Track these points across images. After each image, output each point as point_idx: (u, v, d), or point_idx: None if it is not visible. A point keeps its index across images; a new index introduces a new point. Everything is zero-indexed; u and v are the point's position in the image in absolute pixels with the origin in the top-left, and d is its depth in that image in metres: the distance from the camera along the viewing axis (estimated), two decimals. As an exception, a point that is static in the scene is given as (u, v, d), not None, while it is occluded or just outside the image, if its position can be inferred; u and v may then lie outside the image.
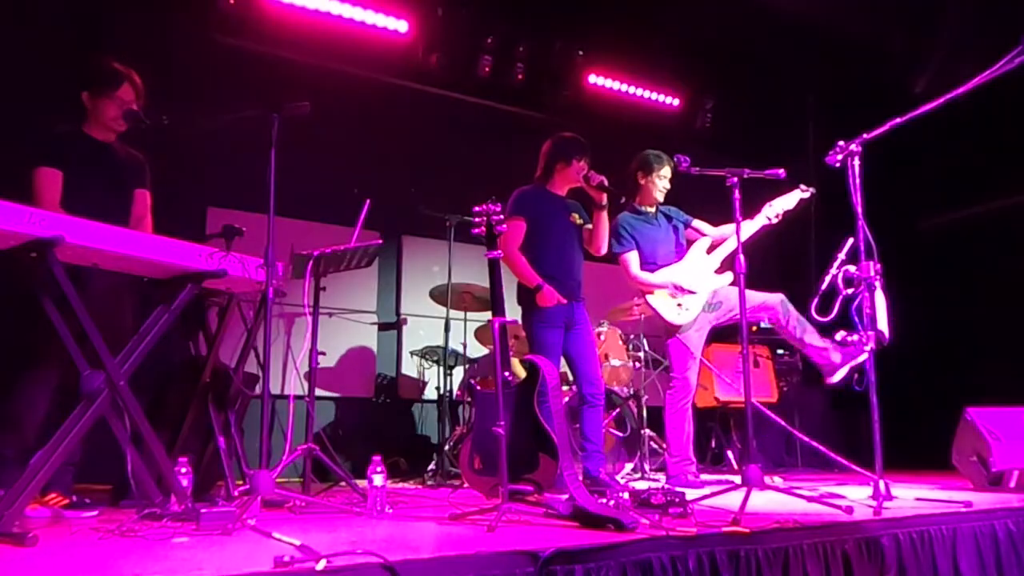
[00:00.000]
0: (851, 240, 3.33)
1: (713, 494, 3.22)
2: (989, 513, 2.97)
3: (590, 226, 4.06)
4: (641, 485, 3.87)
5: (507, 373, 3.18)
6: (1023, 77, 3.03)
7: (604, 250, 4.11)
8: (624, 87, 6.98)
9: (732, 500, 2.97)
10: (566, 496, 2.85)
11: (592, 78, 6.81)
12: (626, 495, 3.11)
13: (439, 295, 5.21)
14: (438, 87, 6.28)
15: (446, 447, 4.81)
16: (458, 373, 5.37)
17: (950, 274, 6.75)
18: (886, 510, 2.86)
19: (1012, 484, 3.90)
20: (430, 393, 5.81)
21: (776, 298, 4.20)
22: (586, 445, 3.82)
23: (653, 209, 4.41)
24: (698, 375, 4.35)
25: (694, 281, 4.21)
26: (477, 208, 3.23)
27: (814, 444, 4.15)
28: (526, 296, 3.88)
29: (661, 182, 4.34)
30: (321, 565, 1.76)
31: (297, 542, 2.04)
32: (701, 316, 4.23)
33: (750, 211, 4.05)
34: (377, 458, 3.01)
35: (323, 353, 4.10)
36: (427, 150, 6.02)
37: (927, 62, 6.37)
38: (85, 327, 2.50)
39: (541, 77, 6.60)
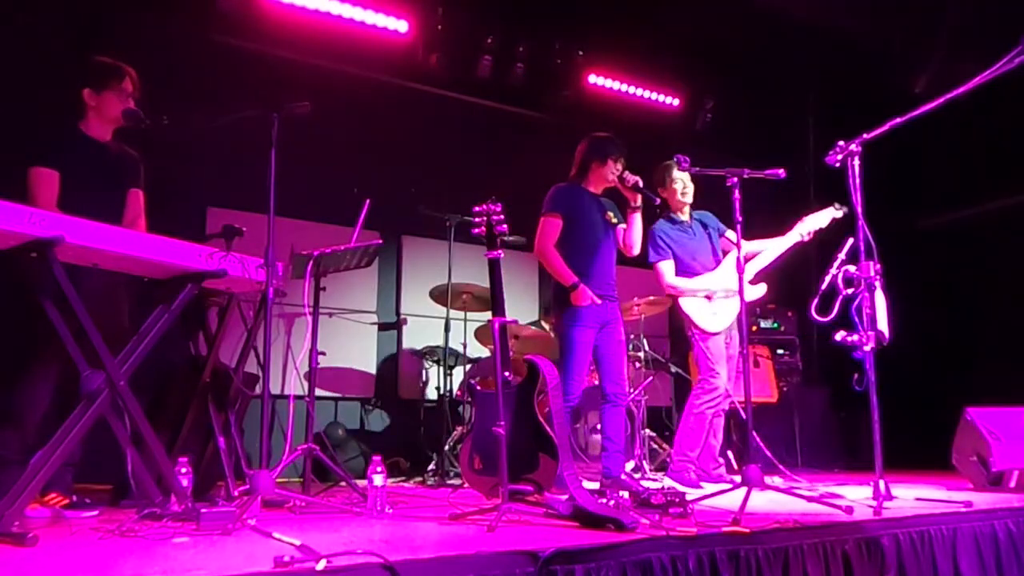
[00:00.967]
0: (851, 240, 3.33)
1: (713, 494, 3.23)
2: (989, 513, 2.97)
3: (624, 226, 4.07)
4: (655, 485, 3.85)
5: (507, 373, 3.18)
6: (1023, 77, 3.03)
7: (637, 251, 4.11)
8: (624, 87, 6.98)
9: (732, 500, 2.97)
10: (566, 496, 2.85)
11: (592, 78, 6.81)
12: (626, 495, 3.12)
13: (439, 295, 5.21)
14: (438, 87, 6.28)
15: (446, 447, 4.80)
16: (458, 373, 5.37)
17: (950, 274, 6.75)
18: (886, 510, 2.87)
19: (1012, 484, 3.90)
20: (430, 393, 5.81)
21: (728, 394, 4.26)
22: (606, 444, 3.79)
23: (686, 216, 4.41)
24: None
25: (726, 285, 4.23)
26: (477, 208, 3.24)
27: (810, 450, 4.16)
28: (560, 293, 3.86)
29: (679, 186, 4.35)
30: (321, 565, 1.76)
31: (297, 542, 2.04)
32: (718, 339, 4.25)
33: (775, 224, 4.06)
34: (377, 458, 3.01)
35: (323, 353, 4.10)
36: (427, 150, 6.02)
37: (927, 62, 6.37)
38: (85, 327, 2.50)
39: (541, 77, 6.59)
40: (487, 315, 3.87)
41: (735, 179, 3.44)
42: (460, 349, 5.25)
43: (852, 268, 3.29)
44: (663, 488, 3.07)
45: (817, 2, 6.39)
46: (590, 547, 2.10)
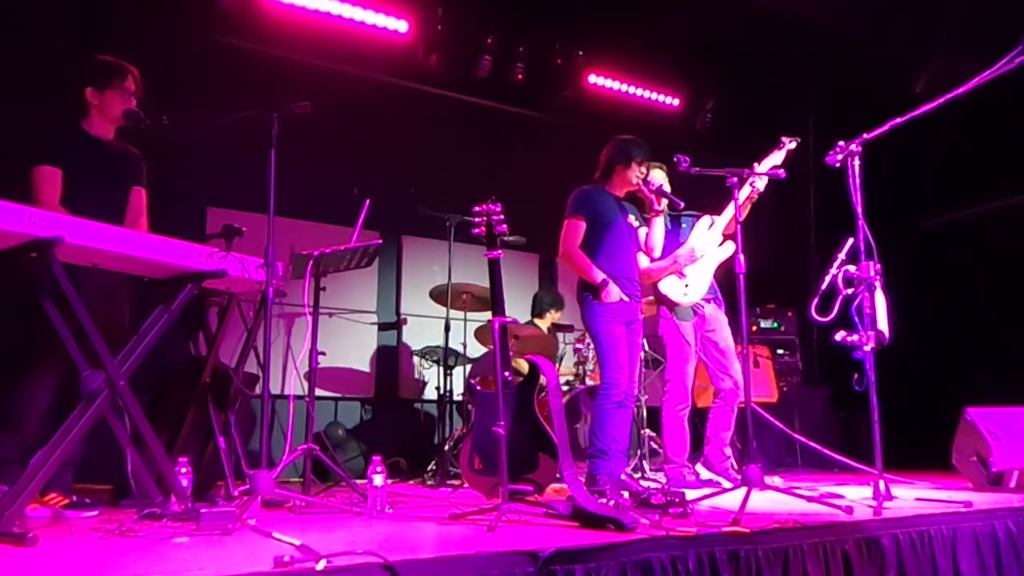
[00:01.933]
0: (851, 240, 3.33)
1: (713, 494, 3.23)
2: (989, 513, 2.97)
3: (645, 229, 4.08)
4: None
5: (507, 373, 3.18)
6: (1023, 77, 3.03)
7: (659, 253, 4.14)
8: (624, 87, 6.98)
9: (732, 500, 2.97)
10: (566, 496, 2.85)
11: (592, 78, 6.81)
12: (626, 494, 3.11)
13: (439, 295, 5.21)
14: (438, 87, 6.28)
15: (446, 447, 4.80)
16: (458, 373, 5.37)
17: (950, 274, 6.75)
18: (886, 510, 2.87)
19: (1012, 484, 3.90)
20: (430, 393, 5.81)
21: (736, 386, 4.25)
22: (612, 445, 3.79)
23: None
24: (695, 374, 4.35)
25: (692, 246, 4.24)
26: (477, 208, 3.24)
27: (812, 444, 4.16)
28: (587, 293, 3.87)
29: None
30: (321, 565, 1.76)
31: (297, 542, 2.04)
32: (688, 325, 4.25)
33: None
34: (377, 458, 3.01)
35: (323, 353, 4.10)
36: (427, 150, 6.02)
37: (927, 62, 6.37)
38: (85, 327, 2.50)
39: (541, 77, 6.59)
40: (487, 315, 3.87)
41: (735, 179, 3.44)
42: (460, 349, 5.25)
43: (852, 268, 3.29)
44: (663, 488, 3.06)
45: (817, 2, 6.40)
46: (590, 547, 2.10)
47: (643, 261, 4.27)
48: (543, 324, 5.80)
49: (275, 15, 5.52)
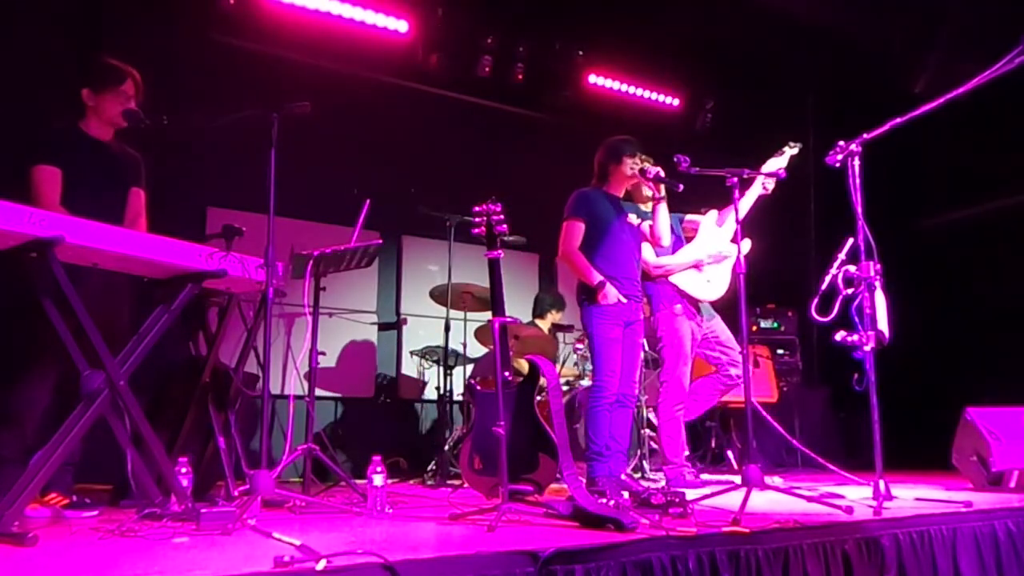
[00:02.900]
0: (851, 240, 3.33)
1: (713, 494, 3.22)
2: (989, 513, 2.97)
3: (649, 223, 4.08)
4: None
5: (507, 373, 3.18)
6: (1023, 77, 3.03)
7: (667, 242, 4.13)
8: (624, 87, 6.98)
9: (732, 500, 2.97)
10: (566, 496, 2.85)
11: (592, 78, 6.81)
12: (626, 494, 3.11)
13: (439, 295, 5.21)
14: (438, 87, 6.28)
15: (446, 447, 4.80)
16: (458, 373, 5.37)
17: (950, 274, 6.75)
18: (886, 510, 2.86)
19: (1012, 484, 3.90)
20: (430, 393, 5.81)
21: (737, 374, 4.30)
22: (611, 444, 3.78)
23: (649, 208, 4.43)
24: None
25: (717, 247, 4.26)
26: (477, 208, 3.24)
27: (809, 453, 4.17)
28: (586, 294, 3.87)
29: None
30: (321, 565, 1.76)
31: (297, 542, 2.04)
32: (687, 326, 4.26)
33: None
34: (377, 458, 3.01)
35: (323, 353, 4.10)
36: (427, 150, 6.02)
37: (927, 62, 6.37)
38: (85, 327, 2.50)
39: (541, 77, 6.60)
40: (487, 315, 3.87)
41: (735, 179, 3.44)
42: (460, 349, 5.25)
43: (852, 268, 3.29)
44: (663, 488, 3.06)
45: (817, 2, 6.40)
46: (590, 547, 2.10)
47: (650, 257, 4.27)
48: (544, 324, 5.80)
49: (275, 15, 5.52)
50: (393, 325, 6.03)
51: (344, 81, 5.75)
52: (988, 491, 3.89)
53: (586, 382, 5.26)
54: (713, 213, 4.41)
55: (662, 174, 3.96)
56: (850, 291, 3.28)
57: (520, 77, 6.45)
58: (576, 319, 4.65)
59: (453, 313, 5.08)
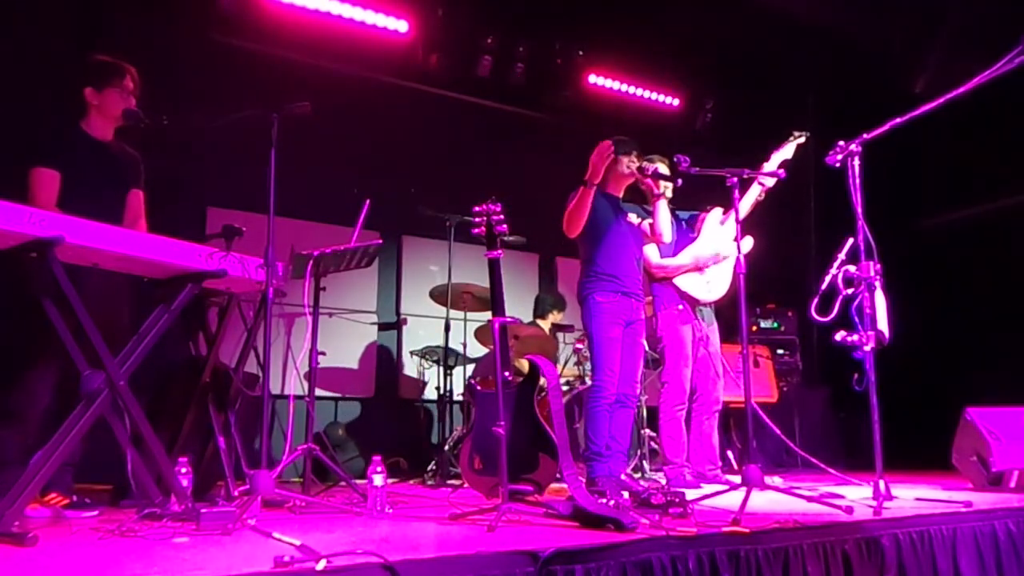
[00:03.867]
0: (851, 240, 3.32)
1: (713, 494, 3.22)
2: (989, 513, 2.97)
3: (649, 221, 4.07)
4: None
5: (507, 373, 3.17)
6: (1023, 77, 3.03)
7: (669, 238, 4.13)
8: (624, 87, 6.98)
9: (732, 500, 2.97)
10: (566, 496, 2.85)
11: (592, 78, 6.81)
12: (626, 494, 3.11)
13: (439, 295, 5.22)
14: (438, 87, 6.28)
15: (446, 447, 4.80)
16: (458, 373, 5.37)
17: (950, 274, 6.75)
18: (886, 510, 2.86)
19: (1012, 484, 3.90)
20: (430, 393, 5.81)
21: (719, 401, 4.32)
22: (611, 444, 3.78)
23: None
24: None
25: (717, 248, 4.27)
26: (477, 208, 3.23)
27: (808, 456, 4.17)
28: (586, 293, 3.87)
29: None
30: (321, 565, 1.76)
31: (297, 542, 2.04)
32: (687, 326, 4.26)
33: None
34: (377, 458, 3.01)
35: (323, 353, 4.10)
36: (427, 150, 6.02)
37: (927, 62, 6.37)
38: (85, 327, 2.50)
39: (541, 77, 6.60)
40: (487, 315, 3.87)
41: (735, 179, 3.44)
42: (460, 349, 5.25)
43: (852, 268, 3.28)
44: (663, 488, 3.06)
45: (817, 2, 6.40)
46: (590, 547, 2.10)
47: (653, 255, 4.26)
48: (545, 324, 5.80)
49: (275, 15, 5.53)
50: (393, 325, 6.03)
51: (344, 81, 5.76)
52: (988, 491, 3.89)
53: (588, 382, 5.26)
54: (717, 211, 4.41)
55: (660, 171, 3.96)
56: (850, 291, 3.28)
57: (520, 77, 6.46)
58: (576, 319, 4.65)
59: (453, 313, 5.09)
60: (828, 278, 3.36)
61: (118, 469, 2.69)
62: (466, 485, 3.90)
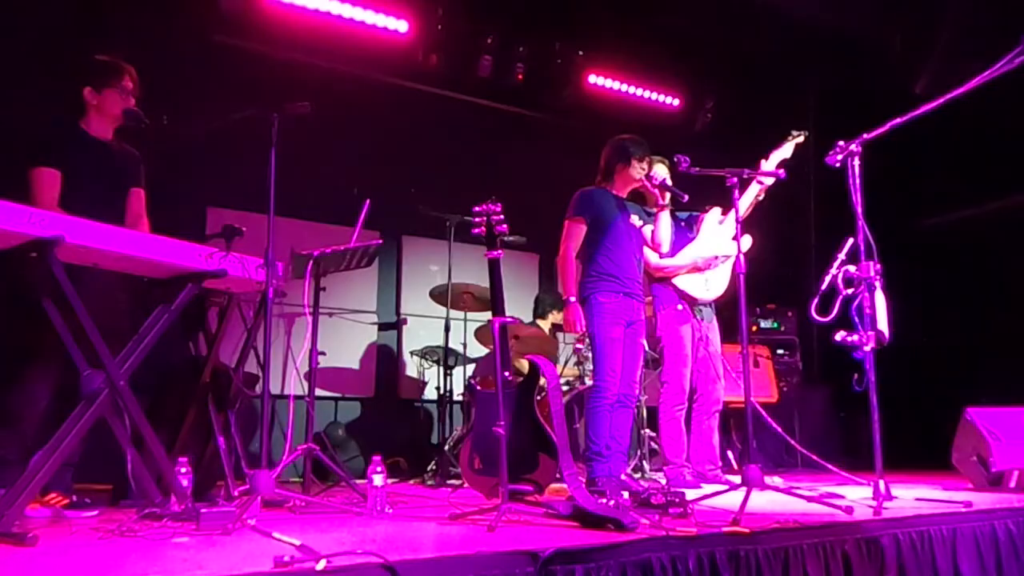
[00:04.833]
0: (851, 240, 3.32)
1: (713, 494, 3.22)
2: (989, 513, 2.97)
3: (650, 227, 4.08)
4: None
5: (507, 373, 3.18)
6: (1023, 77, 3.03)
7: (667, 248, 4.14)
8: (624, 87, 6.98)
9: (732, 500, 2.97)
10: (566, 496, 2.85)
11: (592, 78, 6.81)
12: (626, 494, 3.11)
13: (439, 295, 5.22)
14: (438, 87, 6.28)
15: (446, 447, 4.81)
16: (458, 373, 5.37)
17: (950, 274, 6.74)
18: (886, 510, 2.86)
19: (1012, 484, 3.90)
20: (430, 393, 5.81)
21: (719, 401, 4.33)
22: (611, 444, 3.78)
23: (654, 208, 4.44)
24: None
25: (716, 249, 4.27)
26: (477, 208, 3.24)
27: (809, 454, 4.18)
28: (586, 292, 3.87)
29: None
30: (321, 565, 1.76)
31: (297, 542, 2.04)
32: (687, 326, 4.26)
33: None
34: (377, 458, 3.01)
35: (323, 353, 4.10)
36: (427, 150, 6.02)
37: (927, 62, 6.37)
38: (85, 327, 2.50)
39: (541, 77, 6.60)
40: (487, 315, 3.87)
41: (735, 179, 3.44)
42: (460, 349, 5.25)
43: (852, 268, 3.28)
44: (663, 488, 3.06)
45: (817, 2, 6.39)
46: (590, 547, 2.10)
47: (652, 255, 4.27)
48: (545, 325, 5.81)
49: (275, 15, 5.53)
50: (393, 325, 6.04)
51: (344, 81, 5.75)
52: (988, 491, 3.89)
53: (587, 382, 5.26)
54: (716, 211, 4.41)
55: (668, 181, 3.96)
56: (850, 291, 3.28)
57: (520, 77, 6.46)
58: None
59: (453, 313, 5.09)
60: (828, 278, 3.36)
61: (118, 469, 2.70)
62: (466, 485, 3.90)
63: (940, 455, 4.39)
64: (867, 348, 3.19)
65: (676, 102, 7.25)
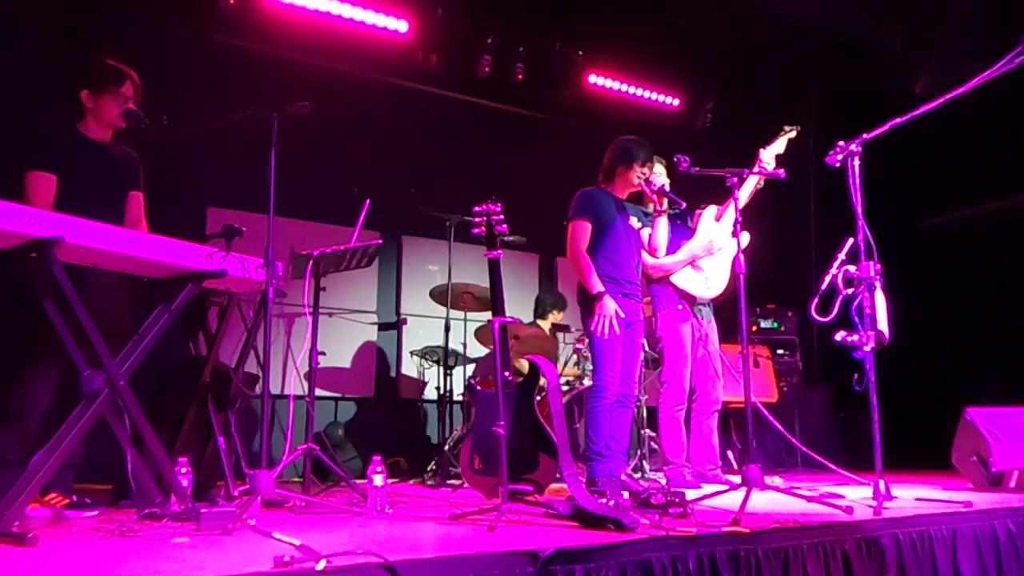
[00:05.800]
0: (851, 240, 3.32)
1: (713, 494, 3.22)
2: (989, 513, 2.97)
3: (648, 231, 4.08)
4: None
5: (507, 373, 3.18)
6: (1023, 77, 3.03)
7: (663, 253, 4.14)
8: (624, 87, 6.98)
9: (732, 500, 2.97)
10: (566, 496, 2.85)
11: (592, 78, 6.81)
12: (626, 495, 3.11)
13: (439, 295, 5.22)
14: (438, 87, 6.29)
15: (446, 447, 4.81)
16: (458, 373, 5.38)
17: (950, 274, 6.75)
18: (886, 510, 2.86)
19: (1012, 484, 3.90)
20: (430, 393, 5.81)
21: (718, 401, 4.33)
22: (611, 444, 3.77)
23: (650, 208, 4.44)
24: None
25: (712, 245, 4.28)
26: (477, 208, 3.24)
27: (811, 453, 4.18)
28: (585, 296, 3.85)
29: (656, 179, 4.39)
30: (321, 565, 1.76)
31: (297, 542, 2.04)
32: (687, 325, 4.26)
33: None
34: (377, 458, 3.01)
35: (323, 353, 4.10)
36: (427, 150, 6.02)
37: (927, 62, 6.37)
38: (85, 327, 2.50)
39: (541, 77, 6.60)
40: (487, 315, 3.87)
41: (735, 179, 3.44)
42: (460, 349, 5.25)
43: (852, 268, 3.28)
44: (663, 488, 3.06)
45: (817, 2, 6.40)
46: (590, 547, 2.10)
47: (649, 258, 4.27)
48: (545, 325, 5.81)
49: (275, 15, 5.53)
50: (393, 325, 6.04)
51: (344, 81, 5.76)
52: (988, 491, 3.89)
53: (587, 382, 5.26)
54: (712, 208, 4.42)
55: (667, 187, 3.96)
56: (850, 291, 3.27)
57: (520, 77, 6.46)
58: (576, 319, 4.66)
59: (453, 313, 5.09)
60: (828, 278, 3.36)
61: (118, 469, 2.70)
62: (466, 485, 3.90)
63: (940, 455, 4.39)
64: (867, 348, 3.19)
65: (676, 102, 7.25)
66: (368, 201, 3.93)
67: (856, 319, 3.23)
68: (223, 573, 1.77)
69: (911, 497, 3.34)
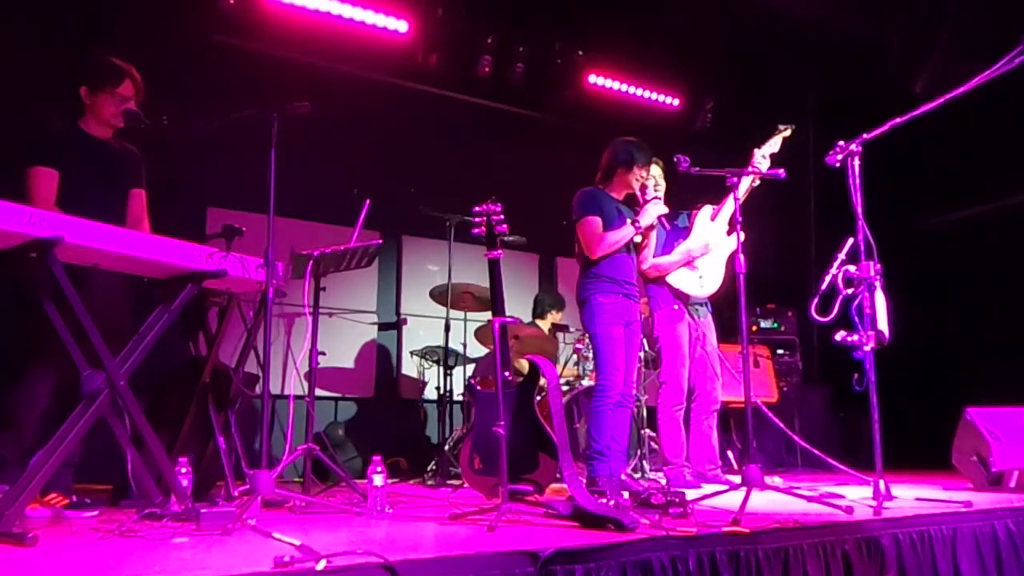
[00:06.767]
0: (851, 240, 3.33)
1: (713, 494, 3.23)
2: (989, 513, 2.97)
3: (639, 237, 4.07)
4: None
5: (507, 373, 3.17)
6: (1023, 77, 3.03)
7: (647, 266, 4.18)
8: (624, 87, 6.98)
9: (732, 500, 2.97)
10: (566, 496, 2.85)
11: (592, 78, 6.81)
12: (626, 494, 3.11)
13: (439, 295, 5.22)
14: (438, 87, 6.29)
15: (446, 447, 4.80)
16: (458, 373, 5.38)
17: (950, 274, 6.75)
18: (886, 510, 2.86)
19: (1012, 484, 3.90)
20: (430, 393, 5.81)
21: (717, 400, 4.33)
22: (611, 444, 3.77)
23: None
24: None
25: (708, 240, 4.28)
26: (477, 208, 3.24)
27: (812, 449, 4.17)
28: (587, 294, 3.86)
29: (651, 182, 4.37)
30: (321, 565, 1.76)
31: (297, 542, 2.04)
32: (684, 325, 4.26)
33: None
34: (377, 458, 3.01)
35: (323, 353, 4.10)
36: (427, 150, 6.02)
37: (927, 62, 6.37)
38: (85, 327, 2.50)
39: (541, 77, 6.60)
40: (487, 315, 3.87)
41: (735, 179, 3.44)
42: (460, 349, 5.25)
43: (852, 268, 3.29)
44: (663, 488, 3.06)
45: (817, 2, 6.40)
46: (590, 547, 2.10)
47: (647, 259, 4.27)
48: (544, 325, 5.81)
49: (275, 15, 5.53)
50: (393, 325, 6.03)
51: (344, 81, 5.76)
52: (988, 491, 3.89)
53: (587, 382, 5.26)
54: (708, 208, 4.42)
55: (661, 189, 3.96)
56: (850, 291, 3.28)
57: (520, 77, 6.46)
58: (575, 319, 4.66)
59: (453, 313, 5.09)
60: (828, 278, 3.36)
61: (118, 469, 2.70)
62: (466, 485, 3.90)
63: (940, 455, 4.39)
64: (867, 348, 3.19)
65: (676, 102, 7.25)
66: (368, 201, 3.93)
67: (856, 319, 3.23)
68: (223, 573, 1.77)
69: (911, 497, 3.34)
